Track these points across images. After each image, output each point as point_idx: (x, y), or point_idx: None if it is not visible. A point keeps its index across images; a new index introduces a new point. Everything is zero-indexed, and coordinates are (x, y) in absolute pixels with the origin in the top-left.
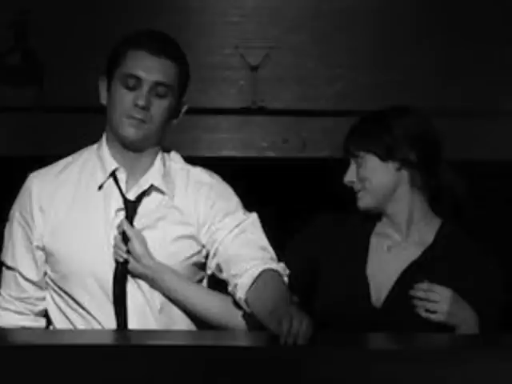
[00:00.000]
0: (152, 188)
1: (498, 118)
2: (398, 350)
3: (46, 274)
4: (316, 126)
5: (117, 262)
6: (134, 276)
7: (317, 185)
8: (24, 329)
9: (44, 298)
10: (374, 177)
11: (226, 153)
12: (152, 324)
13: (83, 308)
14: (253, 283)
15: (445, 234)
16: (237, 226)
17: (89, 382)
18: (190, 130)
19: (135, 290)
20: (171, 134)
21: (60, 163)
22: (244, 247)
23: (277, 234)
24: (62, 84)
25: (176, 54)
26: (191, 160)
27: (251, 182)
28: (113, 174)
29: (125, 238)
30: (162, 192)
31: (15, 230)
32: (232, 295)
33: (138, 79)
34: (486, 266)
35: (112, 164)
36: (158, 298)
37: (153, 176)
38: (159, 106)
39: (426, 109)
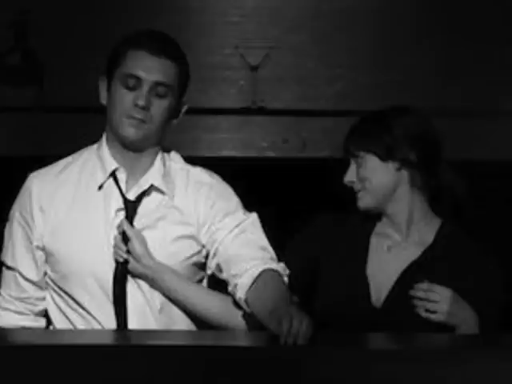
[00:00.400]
0: (152, 188)
1: (497, 118)
2: (398, 350)
3: (45, 273)
4: (316, 126)
5: (117, 261)
6: (134, 276)
7: (317, 185)
8: (24, 329)
9: (44, 298)
10: (374, 177)
11: (225, 153)
12: (152, 324)
13: (83, 308)
14: (253, 283)
15: (445, 234)
16: (237, 226)
17: (89, 382)
18: (190, 130)
19: (135, 290)
20: (171, 134)
21: (60, 163)
22: (244, 247)
23: (277, 233)
24: (62, 84)
25: (176, 54)
26: (191, 160)
27: (251, 182)
28: (113, 174)
29: (125, 238)
30: (162, 192)
31: (15, 230)
32: (232, 295)
33: (138, 79)
34: (485, 266)
35: (112, 164)
36: (157, 297)
37: (153, 176)
38: (159, 106)
39: (426, 109)
